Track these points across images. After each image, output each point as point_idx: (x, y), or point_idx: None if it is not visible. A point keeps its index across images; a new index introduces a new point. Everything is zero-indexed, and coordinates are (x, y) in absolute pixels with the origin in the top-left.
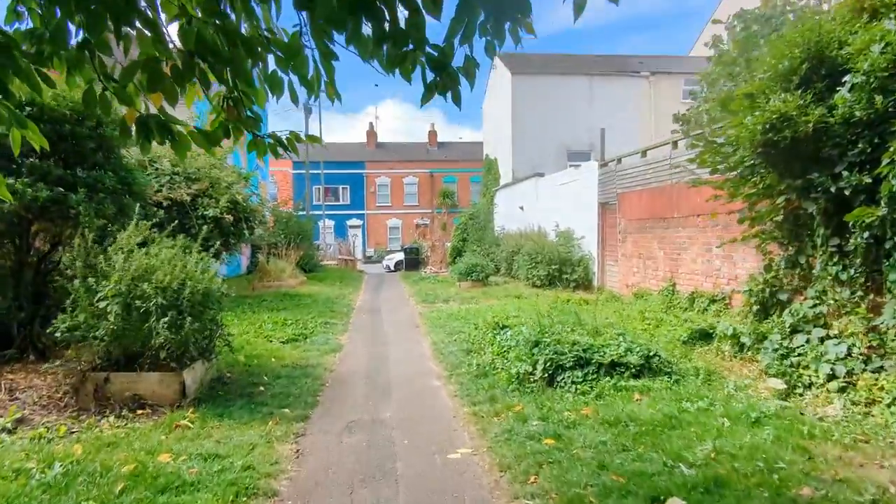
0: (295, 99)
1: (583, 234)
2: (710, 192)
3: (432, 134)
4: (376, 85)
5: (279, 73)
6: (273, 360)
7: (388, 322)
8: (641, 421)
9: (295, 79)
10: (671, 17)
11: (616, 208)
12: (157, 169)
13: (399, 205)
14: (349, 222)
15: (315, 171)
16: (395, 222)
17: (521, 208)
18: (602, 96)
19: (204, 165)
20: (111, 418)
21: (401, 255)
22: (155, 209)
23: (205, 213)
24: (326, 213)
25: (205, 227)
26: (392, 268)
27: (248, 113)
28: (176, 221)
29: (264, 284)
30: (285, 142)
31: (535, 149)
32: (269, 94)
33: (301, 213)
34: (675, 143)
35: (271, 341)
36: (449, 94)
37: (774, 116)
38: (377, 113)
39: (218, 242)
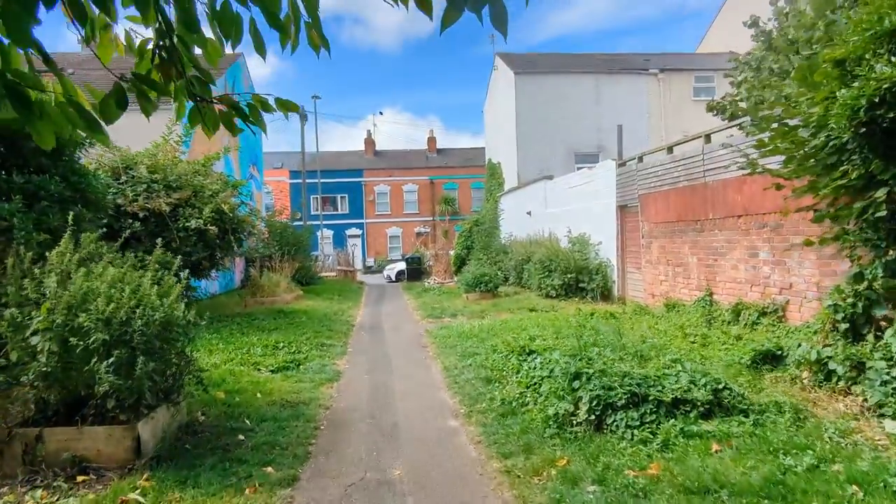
0: (260, 48)
1: (599, 239)
2: (760, 187)
3: (431, 140)
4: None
5: (234, 6)
6: (259, 395)
7: (391, 342)
8: (734, 487)
9: (260, 16)
10: (665, 22)
11: (638, 211)
12: (132, 176)
13: (399, 213)
14: (348, 232)
15: (311, 181)
16: (395, 231)
17: (529, 213)
18: (609, 95)
19: (186, 172)
20: (40, 491)
21: (402, 265)
22: (131, 221)
23: (186, 224)
24: (325, 222)
25: (190, 240)
26: (393, 278)
27: (197, 73)
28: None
29: (257, 300)
30: (245, 109)
31: (541, 151)
32: (224, 42)
33: (297, 222)
34: (707, 137)
35: (259, 370)
36: (486, 8)
37: (885, 86)
38: (375, 121)
39: (202, 257)
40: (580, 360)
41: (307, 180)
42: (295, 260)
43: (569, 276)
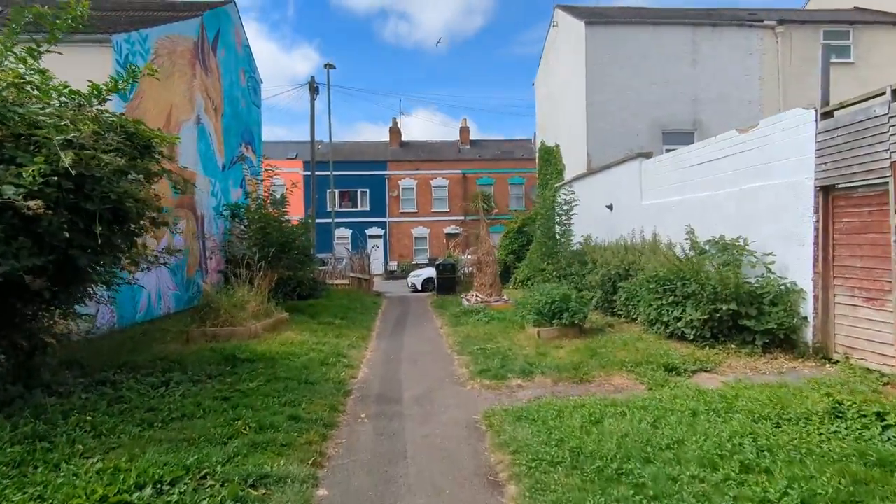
0: None
1: (770, 247)
2: None
3: (464, 130)
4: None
5: None
6: None
7: (419, 457)
8: None
9: None
10: None
11: (878, 194)
12: None
13: (427, 211)
14: (369, 231)
15: (322, 174)
16: (421, 231)
17: (610, 207)
18: (709, 55)
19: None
20: None
21: (430, 272)
22: None
23: None
24: (343, 220)
25: None
26: (419, 287)
27: None
28: None
29: (208, 331)
30: None
31: (618, 128)
32: None
33: (303, 218)
34: None
35: None
36: None
37: None
38: (401, 109)
39: (24, 269)
40: None
41: (324, 173)
42: (279, 266)
43: (722, 307)
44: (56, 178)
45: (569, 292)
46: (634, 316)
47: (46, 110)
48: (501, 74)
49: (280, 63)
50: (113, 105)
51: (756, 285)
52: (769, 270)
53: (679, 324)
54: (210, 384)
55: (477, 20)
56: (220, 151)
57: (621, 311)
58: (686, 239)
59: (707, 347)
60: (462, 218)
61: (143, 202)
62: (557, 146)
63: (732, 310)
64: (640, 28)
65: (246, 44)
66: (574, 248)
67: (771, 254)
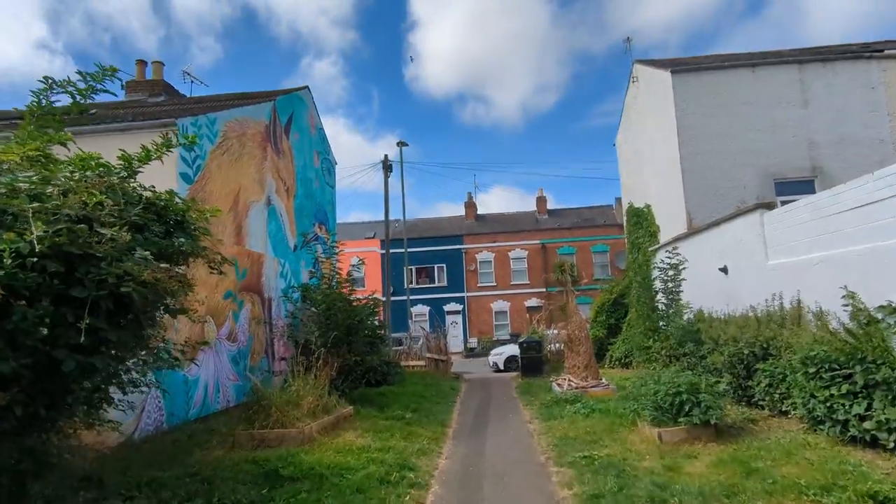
0: None
1: None
2: None
3: (541, 200)
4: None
5: None
6: None
7: None
8: None
9: None
10: None
11: None
12: None
13: (505, 284)
14: (447, 307)
15: (398, 251)
16: (501, 305)
17: (724, 270)
18: (823, 94)
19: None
20: None
21: (512, 349)
22: None
23: None
24: (419, 297)
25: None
26: (501, 367)
27: None
28: None
29: (257, 435)
30: None
31: (720, 179)
32: None
33: (394, 298)
34: None
35: None
36: None
37: None
38: (476, 182)
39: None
40: None
41: (400, 250)
42: (344, 352)
43: None
44: (37, 258)
45: (696, 380)
46: (784, 408)
47: (34, 178)
48: (576, 147)
49: (365, 153)
50: (176, 187)
51: None
52: None
53: (866, 424)
54: None
55: (550, 97)
56: (292, 232)
57: (763, 401)
58: (845, 306)
59: None
60: (544, 290)
61: (153, 286)
62: (648, 207)
63: None
64: (735, 72)
65: (320, 126)
66: (686, 319)
67: None
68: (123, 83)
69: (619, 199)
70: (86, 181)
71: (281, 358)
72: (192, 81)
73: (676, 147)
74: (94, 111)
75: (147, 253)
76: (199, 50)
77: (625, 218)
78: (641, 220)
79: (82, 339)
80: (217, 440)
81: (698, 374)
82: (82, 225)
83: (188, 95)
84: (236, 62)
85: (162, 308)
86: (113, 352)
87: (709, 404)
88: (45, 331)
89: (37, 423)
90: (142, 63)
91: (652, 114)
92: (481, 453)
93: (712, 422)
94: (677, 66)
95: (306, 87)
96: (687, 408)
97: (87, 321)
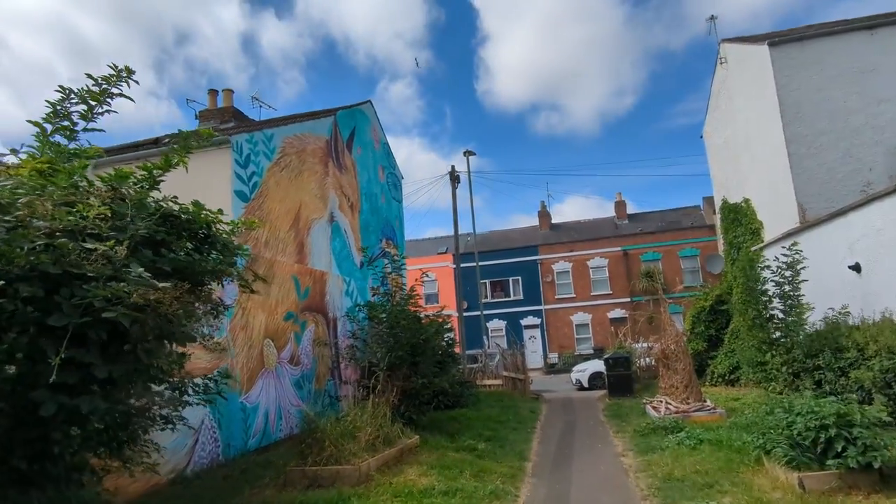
0: None
1: None
2: None
3: (620, 205)
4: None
5: None
6: None
7: None
8: None
9: None
10: None
11: None
12: None
13: (585, 295)
14: (524, 321)
15: (470, 265)
16: (582, 317)
17: (856, 268)
18: None
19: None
20: None
21: (598, 364)
22: None
23: None
24: (494, 311)
25: None
26: (585, 384)
27: None
28: None
29: (311, 471)
30: None
31: (837, 164)
32: None
33: (467, 313)
34: None
35: None
36: None
37: None
38: (549, 192)
39: None
40: None
41: (472, 264)
42: (409, 374)
43: None
44: (8, 281)
45: (847, 410)
46: None
47: (18, 189)
48: (657, 148)
49: (440, 170)
50: (230, 205)
51: None
52: None
53: None
54: None
55: (627, 99)
56: (358, 249)
57: None
58: None
59: None
60: (628, 299)
61: (155, 308)
62: (747, 201)
63: None
64: (849, 37)
65: (384, 141)
66: (812, 328)
67: None
68: (197, 113)
69: (707, 199)
70: (88, 191)
71: (346, 382)
72: (260, 106)
73: (780, 129)
74: (167, 139)
75: (142, 269)
76: (283, 83)
77: (718, 216)
78: (739, 216)
79: (53, 377)
80: (270, 476)
81: (844, 399)
82: (64, 239)
83: (257, 119)
84: (318, 91)
85: (167, 335)
86: (108, 388)
87: (868, 442)
88: (12, 369)
89: (17, 478)
90: (213, 92)
91: (746, 95)
92: (566, 498)
93: (875, 465)
94: (775, 38)
95: (369, 101)
96: (838, 447)
97: (62, 355)
